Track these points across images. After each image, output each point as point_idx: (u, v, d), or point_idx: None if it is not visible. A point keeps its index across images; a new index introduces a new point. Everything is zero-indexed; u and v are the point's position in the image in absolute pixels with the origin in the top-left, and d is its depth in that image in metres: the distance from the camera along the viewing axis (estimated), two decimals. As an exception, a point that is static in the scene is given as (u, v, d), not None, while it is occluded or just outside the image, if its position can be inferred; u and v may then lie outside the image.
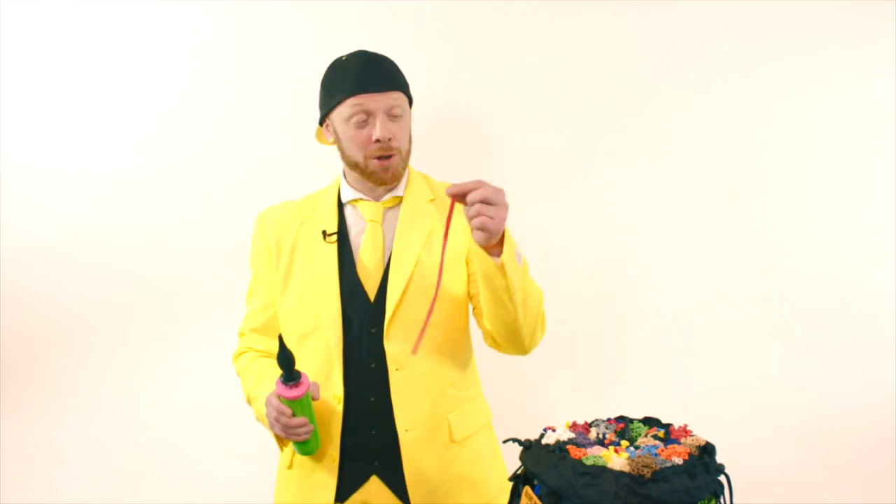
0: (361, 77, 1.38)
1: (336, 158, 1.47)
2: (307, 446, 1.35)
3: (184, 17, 2.05)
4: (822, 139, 2.00)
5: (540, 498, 0.98)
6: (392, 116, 1.39)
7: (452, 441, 1.40)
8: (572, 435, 1.06)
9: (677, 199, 2.03)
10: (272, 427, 1.33)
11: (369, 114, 1.37)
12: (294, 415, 1.28)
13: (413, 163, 1.55)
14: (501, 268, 1.18)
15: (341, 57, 1.44)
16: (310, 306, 1.41)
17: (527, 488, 1.01)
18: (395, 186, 1.46)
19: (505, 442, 1.33)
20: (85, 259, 2.07)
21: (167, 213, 2.07)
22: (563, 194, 2.04)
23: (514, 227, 1.29)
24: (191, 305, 2.07)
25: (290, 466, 1.45)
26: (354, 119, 1.38)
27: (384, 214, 1.44)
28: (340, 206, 1.47)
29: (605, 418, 1.13)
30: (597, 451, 0.99)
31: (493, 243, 1.18)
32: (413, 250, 1.39)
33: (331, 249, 1.42)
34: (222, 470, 2.04)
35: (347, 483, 1.38)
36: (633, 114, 2.02)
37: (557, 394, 2.06)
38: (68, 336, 2.09)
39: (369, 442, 1.38)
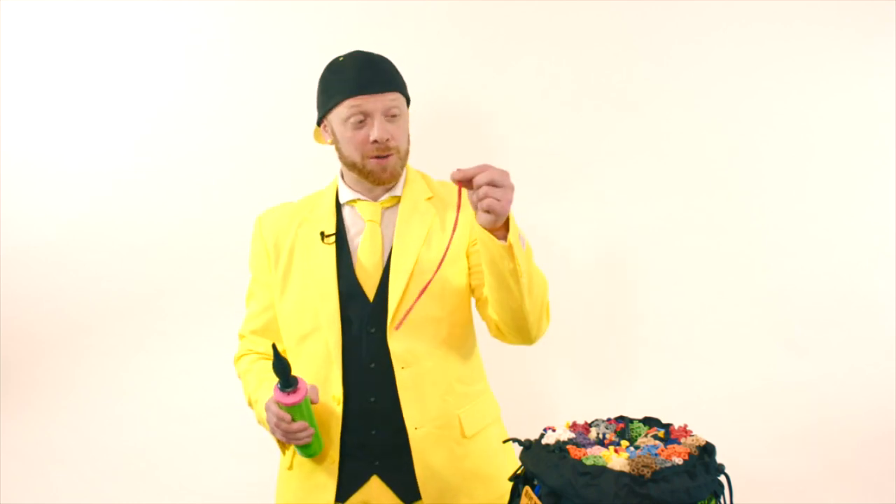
0: (359, 78, 1.38)
1: (335, 159, 1.47)
2: (309, 449, 1.36)
3: (184, 17, 2.05)
4: (822, 139, 2.00)
5: (540, 498, 0.98)
6: (390, 117, 1.39)
7: (464, 437, 1.40)
8: (572, 435, 1.05)
9: (677, 199, 2.02)
10: (273, 432, 1.34)
11: (367, 115, 1.37)
12: (294, 420, 1.29)
13: (413, 163, 1.55)
14: (508, 249, 1.18)
15: (338, 58, 1.44)
16: (308, 308, 1.41)
17: (527, 488, 1.01)
18: (394, 186, 1.46)
19: (505, 442, 1.33)
20: (85, 259, 2.07)
21: (167, 213, 2.07)
22: (563, 194, 2.04)
23: (514, 227, 1.28)
24: (191, 305, 2.07)
25: (290, 467, 1.45)
26: (352, 120, 1.38)
27: (382, 214, 1.44)
28: (339, 206, 1.47)
29: (605, 418, 1.13)
30: (597, 451, 0.99)
31: (499, 226, 1.18)
32: (412, 249, 1.39)
33: (329, 251, 1.42)
34: (222, 470, 2.04)
35: (347, 483, 1.38)
36: (633, 114, 2.02)
37: (557, 393, 2.06)
38: (68, 336, 2.09)
39: (369, 442, 1.38)
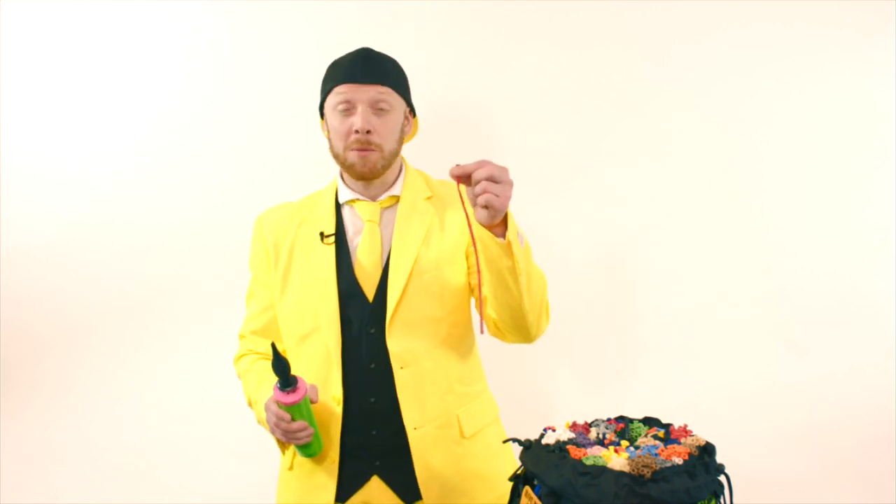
0: (351, 68, 1.39)
1: (338, 163, 1.46)
2: (309, 449, 1.36)
3: (184, 17, 2.05)
4: (822, 139, 2.00)
5: (540, 498, 0.98)
6: (376, 110, 1.38)
7: (463, 437, 1.40)
8: (572, 435, 1.05)
9: (677, 199, 2.02)
10: (273, 432, 1.33)
11: (352, 104, 1.38)
12: (293, 419, 1.29)
13: (413, 163, 1.55)
14: (507, 247, 1.17)
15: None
16: (308, 308, 1.40)
17: (527, 488, 1.01)
18: (393, 185, 1.46)
19: (505, 442, 1.33)
20: (85, 259, 2.07)
21: (167, 213, 2.07)
22: (563, 194, 2.04)
23: (514, 227, 1.28)
24: (191, 305, 2.07)
25: (290, 468, 1.45)
26: (339, 108, 1.38)
27: (381, 214, 1.44)
28: (338, 206, 1.47)
29: (605, 418, 1.13)
30: (597, 451, 0.99)
31: (497, 222, 1.17)
32: (411, 248, 1.39)
33: (328, 251, 1.42)
34: (222, 470, 2.04)
35: (348, 484, 1.38)
36: (633, 114, 2.02)
37: (557, 394, 2.06)
38: (68, 336, 2.09)
39: (370, 442, 1.38)
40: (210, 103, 2.05)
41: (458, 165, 1.14)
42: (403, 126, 1.45)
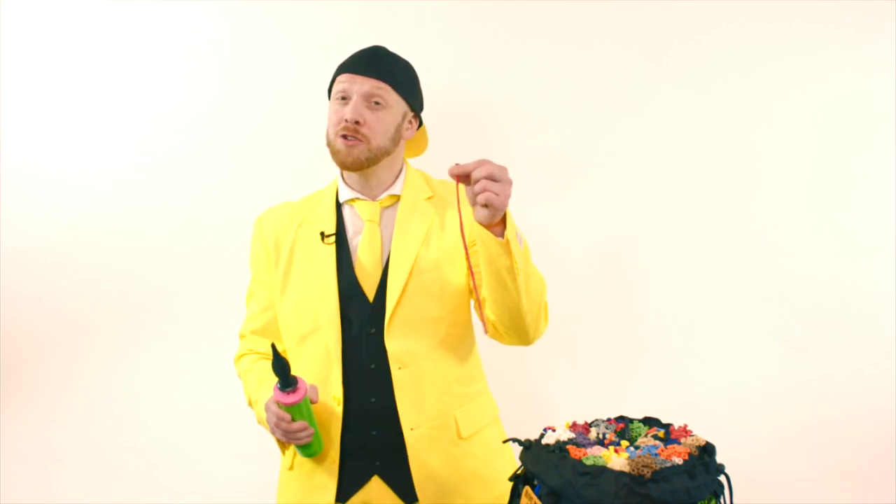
0: (356, 59, 1.41)
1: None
2: (309, 449, 1.36)
3: (184, 17, 2.05)
4: (822, 139, 2.00)
5: (540, 498, 0.98)
6: (371, 103, 1.38)
7: (460, 437, 1.40)
8: (572, 435, 1.05)
9: (677, 199, 2.02)
10: (273, 432, 1.33)
11: (349, 95, 1.39)
12: (293, 419, 1.29)
13: (413, 162, 1.55)
14: (505, 245, 1.17)
15: None
16: (308, 308, 1.40)
17: (527, 488, 1.01)
18: (393, 185, 1.46)
19: (505, 442, 1.33)
20: (85, 259, 2.07)
21: (167, 213, 2.07)
22: (563, 194, 2.04)
23: (514, 227, 1.28)
24: (191, 305, 2.07)
25: (290, 468, 1.45)
26: (337, 97, 1.40)
27: (381, 214, 1.44)
28: (339, 206, 1.47)
29: (605, 418, 1.13)
30: (597, 451, 0.99)
31: (496, 221, 1.17)
32: (411, 248, 1.39)
33: (329, 251, 1.42)
34: (222, 470, 2.04)
35: (348, 484, 1.38)
36: (633, 114, 2.02)
37: (557, 394, 2.06)
38: (68, 336, 2.09)
39: (370, 442, 1.38)
40: (210, 103, 2.05)
41: (457, 164, 1.15)
42: (401, 127, 1.44)
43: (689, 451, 0.98)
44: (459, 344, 1.44)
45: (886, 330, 1.98)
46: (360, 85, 1.38)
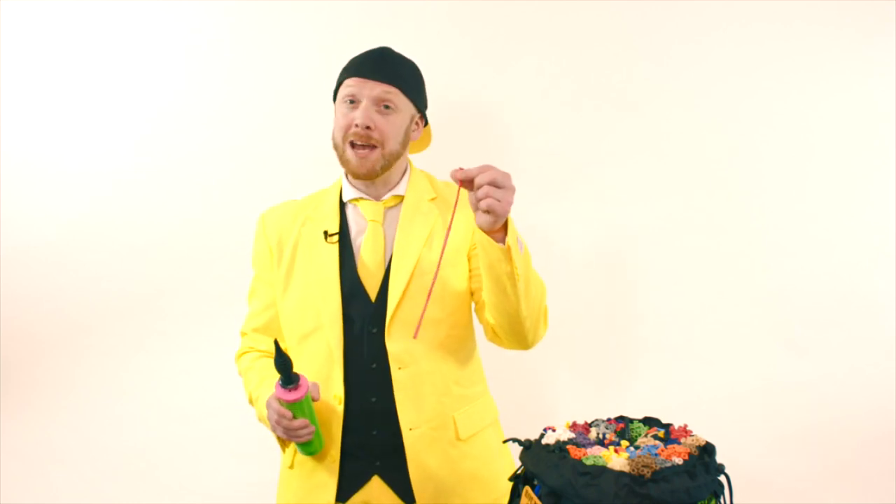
0: (363, 62, 1.40)
1: (336, 158, 1.46)
2: (310, 447, 1.36)
3: (184, 17, 2.05)
4: (822, 139, 2.00)
5: (540, 498, 0.98)
6: (381, 107, 1.38)
7: (459, 439, 1.40)
8: (572, 435, 1.05)
9: (677, 199, 2.02)
10: (274, 429, 1.33)
11: (357, 99, 1.38)
12: (294, 417, 1.29)
13: (413, 162, 1.55)
14: (507, 252, 1.17)
15: None
16: (310, 307, 1.40)
17: (527, 488, 1.01)
18: (397, 185, 1.46)
19: (505, 442, 1.33)
20: (85, 259, 2.07)
21: (167, 213, 2.07)
22: (563, 194, 2.04)
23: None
24: (191, 305, 2.07)
25: (291, 466, 1.45)
26: (345, 101, 1.39)
27: (385, 214, 1.44)
28: (342, 205, 1.47)
29: (605, 418, 1.13)
30: (597, 451, 0.99)
31: (497, 228, 1.17)
32: (414, 249, 1.39)
33: (332, 250, 1.42)
34: (222, 470, 2.04)
35: (348, 483, 1.38)
36: (633, 114, 2.02)
37: (557, 394, 2.06)
38: (68, 336, 2.09)
39: (370, 442, 1.38)
40: (210, 103, 2.05)
41: (460, 169, 1.14)
42: (409, 129, 1.44)
43: (689, 451, 0.98)
44: (460, 346, 1.44)
45: (886, 330, 1.98)
46: (369, 89, 1.38)
